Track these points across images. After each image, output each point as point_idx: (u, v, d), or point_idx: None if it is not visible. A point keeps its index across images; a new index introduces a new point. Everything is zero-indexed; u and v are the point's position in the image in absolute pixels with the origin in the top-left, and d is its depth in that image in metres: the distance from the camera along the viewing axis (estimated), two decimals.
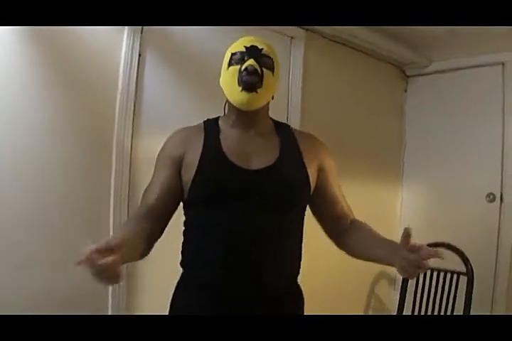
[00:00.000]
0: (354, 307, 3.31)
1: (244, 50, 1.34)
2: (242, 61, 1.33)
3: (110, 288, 1.94)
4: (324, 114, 2.99)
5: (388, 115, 3.59)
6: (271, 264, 1.31)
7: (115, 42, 2.01)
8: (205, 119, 1.49)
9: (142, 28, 2.07)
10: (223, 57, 1.40)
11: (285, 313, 1.35)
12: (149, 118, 2.14)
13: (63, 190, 1.87)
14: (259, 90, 1.32)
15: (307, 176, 1.38)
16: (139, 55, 2.07)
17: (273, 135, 1.44)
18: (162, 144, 1.44)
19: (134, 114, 2.06)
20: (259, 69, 1.32)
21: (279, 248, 1.34)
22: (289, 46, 2.75)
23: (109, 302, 1.98)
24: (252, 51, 1.34)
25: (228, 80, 1.35)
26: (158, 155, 1.44)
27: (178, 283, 1.41)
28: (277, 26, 2.55)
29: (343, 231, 1.46)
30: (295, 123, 2.58)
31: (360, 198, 3.11)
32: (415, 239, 1.10)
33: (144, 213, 1.33)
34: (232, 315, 1.26)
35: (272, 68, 1.36)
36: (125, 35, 2.02)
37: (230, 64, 1.35)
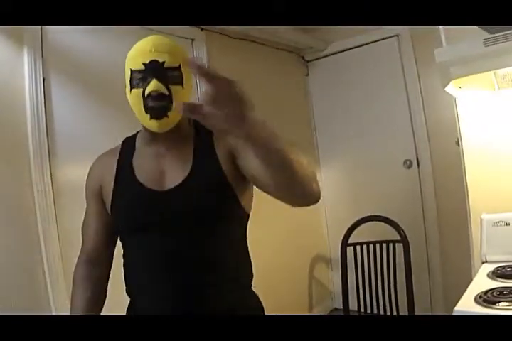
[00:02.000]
0: (297, 294, 3.31)
1: (143, 68, 1.16)
2: (144, 82, 1.17)
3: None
4: None
5: (294, 101, 3.66)
6: (203, 281, 1.21)
7: (16, 69, 1.86)
8: (125, 138, 1.38)
9: (42, 51, 1.94)
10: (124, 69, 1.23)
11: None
12: (64, 143, 2.01)
13: None
14: (169, 113, 1.17)
15: (225, 187, 1.22)
16: (44, 79, 1.94)
17: (189, 145, 1.27)
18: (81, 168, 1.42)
19: (47, 139, 1.93)
20: (165, 91, 1.16)
21: (212, 265, 1.23)
22: (191, 48, 2.74)
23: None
24: (153, 69, 1.16)
25: (134, 104, 1.20)
26: (84, 188, 1.39)
27: (127, 309, 1.34)
28: (176, 30, 2.53)
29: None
30: None
31: None
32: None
33: (86, 259, 1.38)
34: None
35: (180, 81, 1.19)
36: (25, 60, 1.88)
37: (131, 85, 1.19)
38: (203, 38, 2.79)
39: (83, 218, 1.41)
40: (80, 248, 1.84)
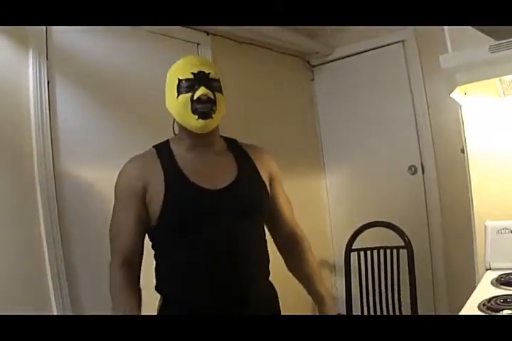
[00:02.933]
0: (300, 299, 3.29)
1: (192, 77, 1.38)
2: (192, 89, 1.37)
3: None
4: (239, 114, 2.96)
5: (299, 106, 3.64)
6: (252, 275, 1.40)
7: (21, 72, 1.86)
8: (154, 145, 1.49)
9: (47, 54, 1.94)
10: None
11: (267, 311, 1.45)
12: (68, 145, 2.00)
13: None
14: (213, 115, 1.38)
15: (265, 187, 1.49)
16: (48, 82, 1.93)
17: (227, 152, 1.50)
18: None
19: (51, 141, 1.92)
20: (212, 96, 1.38)
21: (255, 257, 1.43)
22: (196, 53, 2.72)
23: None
24: (201, 78, 1.38)
25: (180, 108, 1.38)
26: (117, 189, 1.43)
27: (161, 308, 1.42)
28: (182, 33, 2.54)
29: (285, 247, 1.63)
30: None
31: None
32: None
33: (123, 262, 1.36)
34: None
35: (221, 90, 1.43)
36: (30, 63, 1.88)
37: (179, 92, 1.38)
38: (209, 42, 2.78)
39: (113, 219, 1.42)
40: (85, 248, 1.85)
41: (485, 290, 1.49)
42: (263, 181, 1.49)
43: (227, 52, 2.92)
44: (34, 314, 1.62)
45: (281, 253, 1.65)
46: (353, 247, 2.86)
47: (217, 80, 1.43)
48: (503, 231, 1.73)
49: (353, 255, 2.85)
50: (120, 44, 2.21)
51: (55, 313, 1.80)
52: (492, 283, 1.55)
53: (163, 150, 1.46)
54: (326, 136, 3.71)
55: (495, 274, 1.63)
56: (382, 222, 2.81)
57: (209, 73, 1.40)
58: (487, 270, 1.73)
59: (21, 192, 1.81)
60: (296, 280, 1.66)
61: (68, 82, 2.03)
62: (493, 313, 1.26)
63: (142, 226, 1.40)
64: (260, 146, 1.63)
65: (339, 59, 3.57)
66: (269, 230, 1.61)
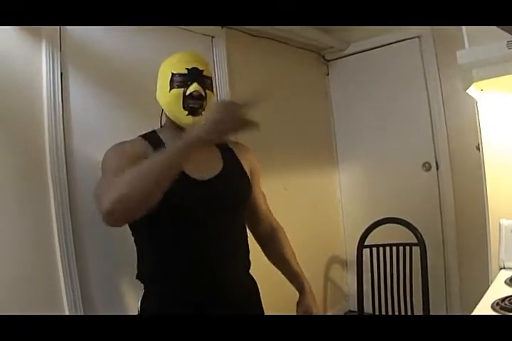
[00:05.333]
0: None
1: (186, 72, 1.40)
2: (185, 84, 1.39)
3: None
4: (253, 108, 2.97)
5: (314, 100, 3.62)
6: (233, 265, 1.43)
7: (34, 64, 1.85)
8: (142, 134, 1.49)
9: (60, 45, 1.93)
10: (157, 71, 1.46)
11: (247, 303, 1.47)
12: (81, 138, 1.99)
13: None
14: (203, 112, 1.40)
15: (249, 180, 1.54)
16: (61, 74, 1.93)
17: (213, 147, 1.50)
18: (98, 164, 1.38)
19: (64, 134, 1.91)
20: (203, 93, 1.41)
21: (236, 248, 1.46)
22: (210, 46, 2.71)
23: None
24: (194, 74, 1.40)
25: (171, 102, 1.41)
26: (108, 156, 1.36)
27: (144, 296, 1.43)
28: (197, 27, 2.52)
29: (264, 237, 1.68)
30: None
31: (298, 188, 3.12)
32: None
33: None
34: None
35: (212, 87, 1.47)
36: (43, 55, 1.86)
37: (172, 86, 1.40)
38: (223, 35, 2.76)
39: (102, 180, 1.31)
40: (97, 247, 1.84)
41: (499, 289, 1.47)
42: (247, 175, 1.54)
43: (241, 46, 2.91)
44: (46, 314, 1.62)
45: (259, 243, 1.70)
46: (366, 244, 2.85)
47: (210, 78, 1.46)
48: None
49: (366, 251, 2.84)
50: (133, 36, 2.20)
51: (67, 313, 1.80)
52: (506, 282, 1.53)
53: (153, 139, 1.44)
54: (339, 132, 3.70)
55: (509, 273, 1.61)
56: (395, 218, 2.80)
57: (203, 70, 1.43)
58: (501, 269, 1.71)
59: (34, 189, 1.80)
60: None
61: (81, 73, 2.03)
62: (507, 313, 1.24)
63: None
64: (244, 145, 1.67)
65: (354, 54, 3.55)
66: (248, 222, 1.63)
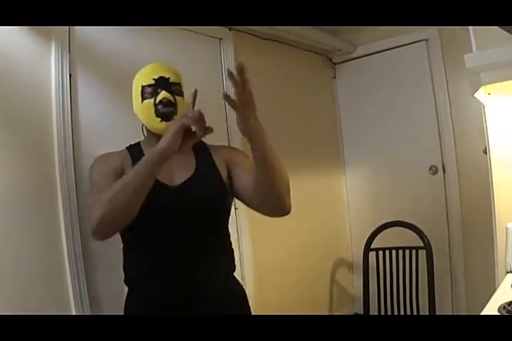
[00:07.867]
0: (318, 298, 3.30)
1: (153, 82, 1.46)
2: (154, 94, 1.45)
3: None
4: (261, 110, 2.96)
5: (321, 102, 3.63)
6: (208, 267, 1.42)
7: (43, 65, 1.86)
8: (128, 145, 1.57)
9: (69, 47, 1.94)
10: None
11: (232, 306, 1.47)
12: (89, 139, 2.00)
13: (7, 225, 1.69)
14: (175, 117, 1.43)
15: (222, 182, 1.49)
16: (70, 75, 1.94)
17: (190, 152, 1.53)
18: (93, 163, 1.50)
19: (72, 134, 1.92)
20: (172, 99, 1.45)
21: (211, 250, 1.45)
22: (218, 48, 2.73)
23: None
24: (161, 83, 1.46)
25: (145, 112, 1.47)
26: (95, 168, 1.47)
27: (127, 298, 1.49)
28: (204, 29, 2.53)
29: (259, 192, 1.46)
30: (233, 121, 2.54)
31: (305, 190, 3.12)
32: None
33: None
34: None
35: (181, 93, 1.50)
36: (53, 56, 1.88)
37: (143, 97, 1.47)
38: (231, 37, 2.78)
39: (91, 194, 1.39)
40: (104, 247, 1.84)
41: (505, 293, 1.47)
42: (220, 177, 1.48)
43: (249, 48, 2.92)
44: (53, 314, 1.64)
45: (257, 203, 1.44)
46: (372, 247, 2.85)
47: (178, 84, 1.50)
48: None
49: (372, 254, 2.84)
50: (142, 37, 2.21)
51: (74, 313, 1.81)
52: None
53: (135, 150, 1.53)
54: (346, 134, 3.70)
55: None
56: (402, 221, 2.80)
57: (169, 78, 1.47)
58: (507, 273, 1.70)
59: (42, 190, 1.82)
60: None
61: (90, 75, 2.04)
62: None
63: None
64: (223, 145, 1.66)
65: (361, 57, 3.55)
66: (249, 201, 1.47)
